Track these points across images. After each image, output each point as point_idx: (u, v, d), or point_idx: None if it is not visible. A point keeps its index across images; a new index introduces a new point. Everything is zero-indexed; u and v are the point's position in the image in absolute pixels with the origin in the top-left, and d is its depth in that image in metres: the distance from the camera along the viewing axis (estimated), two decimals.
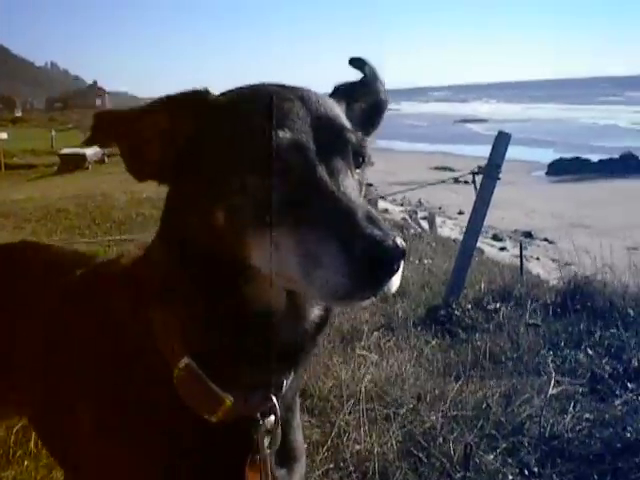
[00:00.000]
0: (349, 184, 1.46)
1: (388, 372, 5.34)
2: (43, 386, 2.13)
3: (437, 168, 31.21)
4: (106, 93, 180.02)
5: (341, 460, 4.17)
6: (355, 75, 1.88)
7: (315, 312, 1.66)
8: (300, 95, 1.58)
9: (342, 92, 1.79)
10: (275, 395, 1.73)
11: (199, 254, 1.56)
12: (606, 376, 5.28)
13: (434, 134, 54.77)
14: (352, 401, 4.77)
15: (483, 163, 7.23)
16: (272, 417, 1.74)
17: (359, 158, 1.59)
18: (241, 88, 1.65)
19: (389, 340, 6.22)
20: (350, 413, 4.66)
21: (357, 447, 4.29)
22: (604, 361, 5.58)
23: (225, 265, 1.52)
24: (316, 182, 1.41)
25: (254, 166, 1.43)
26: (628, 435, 4.35)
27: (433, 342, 6.16)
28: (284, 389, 1.76)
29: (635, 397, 4.91)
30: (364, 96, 1.85)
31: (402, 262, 1.34)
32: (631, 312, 6.52)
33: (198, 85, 1.64)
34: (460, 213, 18.95)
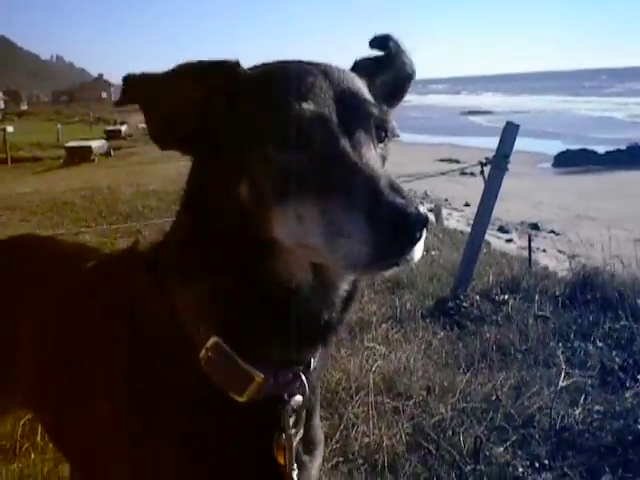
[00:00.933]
0: (371, 156, 1.46)
1: (396, 364, 5.33)
2: (53, 380, 2.10)
3: (443, 160, 31.12)
4: (112, 86, 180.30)
5: (350, 453, 4.17)
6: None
7: (341, 287, 1.65)
8: (323, 69, 1.58)
9: (363, 67, 1.78)
10: (303, 374, 1.72)
11: (223, 229, 1.56)
12: (616, 368, 5.27)
13: (440, 126, 54.63)
14: (361, 393, 4.77)
15: (489, 155, 7.20)
16: (298, 397, 1.74)
17: (382, 132, 1.60)
18: (267, 64, 1.65)
19: (397, 332, 6.20)
20: (359, 405, 4.65)
21: (366, 440, 4.28)
22: (614, 353, 5.57)
23: (249, 239, 1.52)
24: (339, 153, 1.42)
25: (278, 138, 1.44)
26: (639, 427, 4.33)
27: (441, 334, 6.14)
28: (312, 367, 1.76)
29: None
30: (388, 70, 1.84)
31: (425, 230, 1.34)
32: None
33: None
34: (466, 205, 18.86)
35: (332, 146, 1.43)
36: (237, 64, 1.62)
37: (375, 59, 1.84)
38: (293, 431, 1.74)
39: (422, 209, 1.31)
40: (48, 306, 2.22)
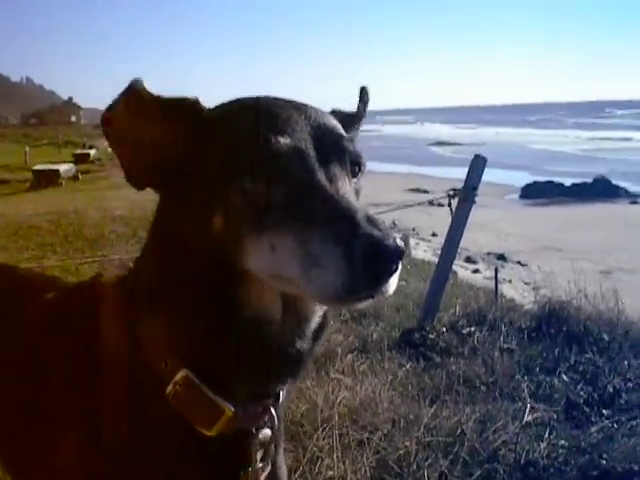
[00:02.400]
0: (347, 189, 1.48)
1: (362, 396, 5.28)
2: (10, 417, 2.03)
3: (411, 190, 31.36)
4: (81, 109, 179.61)
5: None
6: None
7: (312, 318, 1.65)
8: (297, 106, 1.61)
9: (336, 116, 1.77)
10: (272, 406, 1.72)
11: (194, 261, 1.54)
12: (581, 402, 5.28)
13: (408, 156, 55.03)
14: (326, 426, 4.71)
15: (456, 184, 7.25)
16: (266, 430, 1.73)
17: (356, 167, 1.61)
18: (238, 98, 1.66)
19: (363, 363, 6.16)
20: (324, 438, 4.59)
21: (330, 473, 4.23)
22: (579, 387, 5.57)
23: (221, 271, 1.51)
24: (316, 186, 1.43)
25: (253, 171, 1.44)
26: (604, 462, 4.33)
27: (407, 366, 6.10)
28: (281, 400, 1.76)
29: (610, 424, 4.88)
30: (354, 126, 1.90)
31: (400, 262, 1.35)
32: (605, 337, 6.53)
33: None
34: (434, 235, 18.98)
35: (309, 179, 1.45)
36: (197, 101, 1.61)
37: (348, 115, 1.89)
38: (260, 465, 1.72)
39: (399, 241, 1.32)
40: (4, 340, 2.15)
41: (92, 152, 46.14)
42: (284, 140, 1.47)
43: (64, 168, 33.91)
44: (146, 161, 1.60)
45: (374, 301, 1.42)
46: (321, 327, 1.68)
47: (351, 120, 1.88)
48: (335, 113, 1.81)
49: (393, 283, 1.38)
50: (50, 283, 2.35)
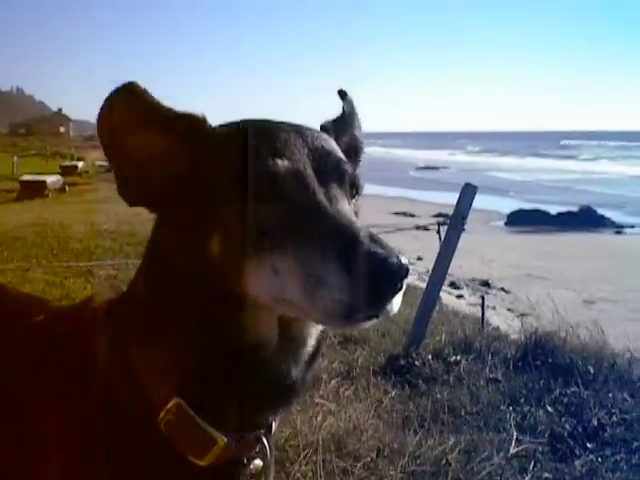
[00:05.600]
0: (348, 210, 1.49)
1: (346, 422, 5.25)
2: None
3: (398, 213, 31.40)
4: (70, 121, 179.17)
5: None
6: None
7: (307, 344, 1.63)
8: (296, 129, 1.61)
9: (328, 130, 1.80)
10: (265, 437, 1.69)
11: (190, 286, 1.52)
12: (566, 435, 5.27)
13: (396, 179, 55.11)
14: (309, 452, 4.67)
15: (442, 210, 7.29)
16: (258, 461, 1.70)
17: (353, 189, 1.62)
18: (241, 120, 1.66)
19: (348, 389, 6.14)
20: (307, 464, 4.55)
21: None
22: (564, 419, 5.57)
23: (218, 296, 1.49)
24: (316, 207, 1.44)
25: (252, 194, 1.44)
26: None
27: (392, 393, 6.09)
28: (273, 429, 1.74)
29: (595, 458, 4.88)
30: (346, 130, 1.91)
31: (405, 281, 1.34)
32: (591, 369, 6.52)
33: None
34: (419, 259, 18.97)
35: (310, 200, 1.45)
36: (204, 119, 1.62)
37: (334, 121, 1.89)
38: None
39: (403, 259, 1.32)
40: None
41: (80, 164, 45.87)
42: (282, 162, 1.48)
43: (51, 179, 33.71)
44: (142, 173, 1.59)
45: (377, 321, 1.42)
46: (314, 356, 1.67)
47: (341, 125, 1.89)
48: (324, 127, 1.83)
49: (397, 302, 1.37)
50: (39, 306, 2.29)
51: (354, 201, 1.63)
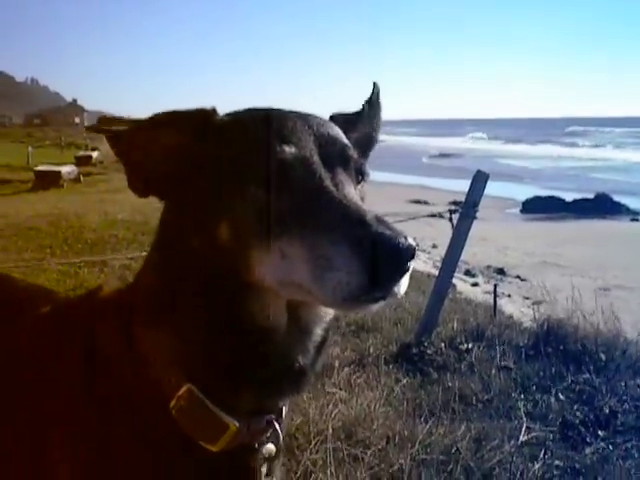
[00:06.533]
0: (354, 194, 1.51)
1: (357, 410, 5.26)
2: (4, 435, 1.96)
3: (413, 201, 31.27)
4: (85, 111, 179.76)
5: None
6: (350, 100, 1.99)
7: (316, 331, 1.66)
8: (302, 116, 1.65)
9: (337, 121, 1.81)
10: (276, 421, 1.72)
11: (200, 272, 1.55)
12: (577, 422, 5.26)
13: (411, 167, 54.95)
14: (319, 439, 4.69)
15: (457, 197, 7.26)
16: (270, 445, 1.73)
17: (359, 175, 1.65)
18: (244, 110, 1.69)
19: (359, 377, 6.14)
20: (317, 452, 4.57)
21: None
22: (575, 407, 5.56)
23: (227, 282, 1.52)
24: (323, 191, 1.46)
25: (260, 180, 1.47)
26: None
27: (404, 381, 6.09)
28: (284, 414, 1.77)
29: (606, 445, 4.86)
30: (361, 128, 1.92)
31: (412, 262, 1.35)
32: (603, 357, 6.50)
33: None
34: (434, 247, 18.90)
35: (316, 185, 1.47)
36: (214, 111, 1.65)
37: (349, 116, 1.91)
38: None
39: (410, 240, 1.33)
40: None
41: (94, 154, 46.01)
42: (289, 149, 1.50)
43: (66, 170, 33.84)
44: (153, 171, 1.62)
45: (384, 305, 1.44)
46: (323, 341, 1.69)
47: (353, 120, 1.91)
48: (334, 118, 1.84)
49: (404, 284, 1.39)
50: (46, 296, 2.31)
51: (360, 187, 1.65)
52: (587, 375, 6.13)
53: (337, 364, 6.32)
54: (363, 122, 1.93)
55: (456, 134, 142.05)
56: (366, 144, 1.93)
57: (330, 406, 5.28)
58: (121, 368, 1.71)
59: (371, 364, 6.51)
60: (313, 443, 4.65)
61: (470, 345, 6.90)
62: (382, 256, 1.29)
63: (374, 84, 1.99)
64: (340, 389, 5.76)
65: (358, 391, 5.78)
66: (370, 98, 1.97)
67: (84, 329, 1.84)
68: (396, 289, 1.37)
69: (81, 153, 49.35)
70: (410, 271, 1.38)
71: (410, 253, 1.33)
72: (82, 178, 34.90)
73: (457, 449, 4.68)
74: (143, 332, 1.68)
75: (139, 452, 1.66)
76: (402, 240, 1.31)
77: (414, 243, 1.34)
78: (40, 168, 33.81)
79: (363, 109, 1.95)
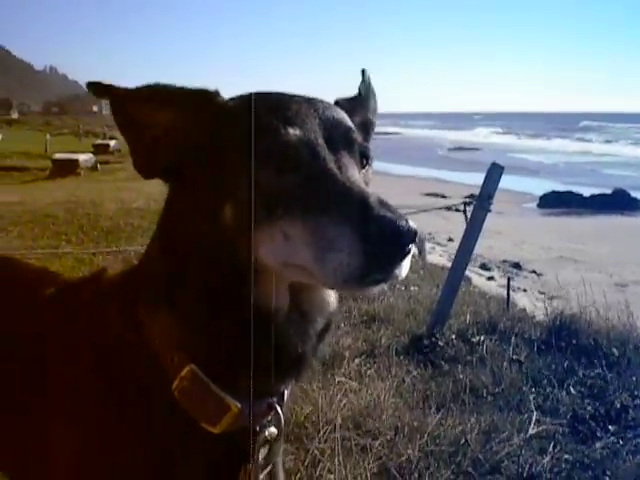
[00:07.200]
0: (358, 177, 1.51)
1: (367, 401, 5.27)
2: (9, 414, 1.99)
3: (429, 194, 31.24)
4: (103, 100, 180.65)
5: None
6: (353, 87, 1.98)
7: (317, 315, 1.66)
8: (307, 99, 1.65)
9: (342, 105, 1.81)
10: (278, 405, 1.73)
11: (204, 254, 1.56)
12: (587, 417, 5.23)
13: (427, 159, 54.90)
14: (328, 429, 4.69)
15: (473, 190, 7.23)
16: (272, 429, 1.74)
17: (363, 159, 1.65)
18: (252, 92, 1.68)
19: (370, 368, 6.14)
20: (326, 441, 4.57)
21: (330, 477, 4.22)
22: (586, 401, 5.53)
23: (230, 263, 1.53)
24: (326, 174, 1.46)
25: (264, 162, 1.47)
26: (607, 479, 4.29)
27: (415, 372, 6.07)
28: (285, 398, 1.77)
29: (616, 440, 4.84)
30: (361, 111, 1.93)
31: (413, 245, 1.36)
32: (615, 352, 6.46)
33: None
34: (450, 240, 18.88)
35: (320, 167, 1.48)
36: (217, 93, 1.66)
37: (350, 99, 1.92)
38: (262, 463, 1.74)
39: (411, 223, 1.33)
40: (5, 337, 2.08)
41: (112, 143, 46.22)
42: (294, 131, 1.51)
43: (83, 158, 34.04)
44: (157, 149, 1.63)
45: (389, 285, 1.47)
46: (326, 328, 1.69)
47: (355, 104, 1.91)
48: (339, 102, 1.84)
49: (406, 266, 1.39)
50: (50, 279, 2.32)
51: (364, 171, 1.65)
52: (599, 370, 6.10)
53: (348, 354, 6.32)
54: (362, 106, 1.95)
55: (471, 127, 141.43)
56: (366, 128, 1.93)
57: (340, 396, 5.28)
58: (124, 349, 1.72)
59: (382, 355, 6.49)
60: (322, 432, 4.66)
61: (482, 338, 6.87)
62: (383, 238, 1.31)
63: (363, 70, 2.00)
64: (350, 379, 5.76)
65: (368, 381, 5.78)
66: (363, 83, 1.99)
67: (88, 311, 1.86)
68: (397, 271, 1.38)
69: (99, 141, 49.58)
70: (411, 254, 1.39)
71: (411, 236, 1.33)
72: (99, 166, 35.11)
73: (466, 441, 4.68)
74: (146, 314, 1.69)
75: (140, 432, 1.67)
76: (403, 223, 1.32)
77: (415, 226, 1.34)
78: (58, 156, 34.03)
79: (360, 94, 1.96)
